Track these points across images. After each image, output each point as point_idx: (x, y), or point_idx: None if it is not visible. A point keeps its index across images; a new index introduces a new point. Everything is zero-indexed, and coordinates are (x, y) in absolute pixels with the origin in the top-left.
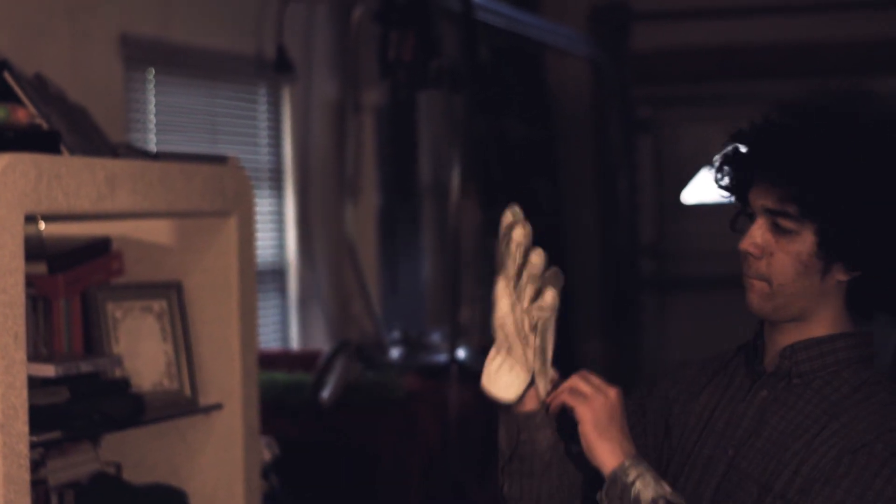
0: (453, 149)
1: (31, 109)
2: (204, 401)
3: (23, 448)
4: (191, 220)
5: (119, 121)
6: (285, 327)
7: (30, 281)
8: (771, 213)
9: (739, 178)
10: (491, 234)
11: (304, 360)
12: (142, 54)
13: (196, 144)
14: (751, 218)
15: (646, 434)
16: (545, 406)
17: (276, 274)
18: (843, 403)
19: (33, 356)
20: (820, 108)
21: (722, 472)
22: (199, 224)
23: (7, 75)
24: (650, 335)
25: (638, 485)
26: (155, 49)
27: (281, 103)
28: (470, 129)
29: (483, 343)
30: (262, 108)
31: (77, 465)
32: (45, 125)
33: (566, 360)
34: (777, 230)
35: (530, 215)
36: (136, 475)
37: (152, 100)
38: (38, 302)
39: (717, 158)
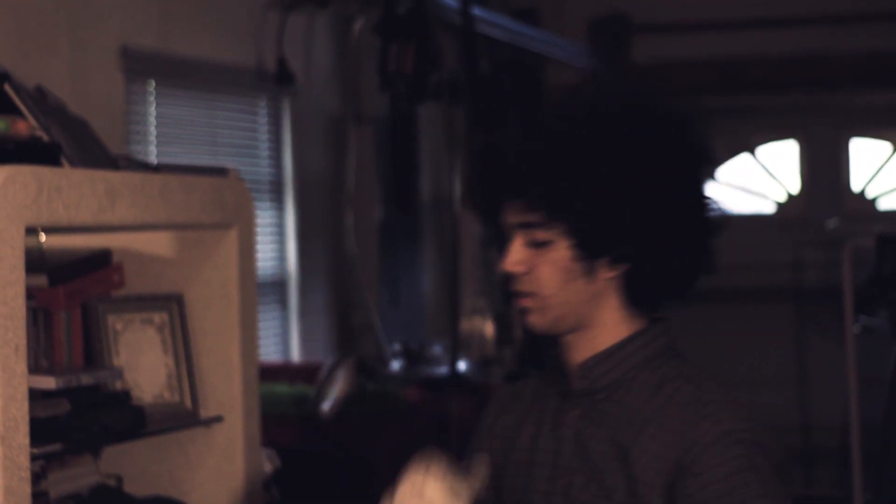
0: (453, 161)
1: (32, 121)
2: (205, 413)
3: (23, 460)
4: (191, 232)
5: (119, 133)
6: (286, 339)
7: (30, 293)
8: (522, 228)
9: (488, 202)
10: (491, 246)
11: (305, 372)
12: (142, 66)
13: (196, 156)
14: (506, 239)
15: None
16: None
17: (277, 286)
18: (646, 409)
19: (34, 368)
20: (550, 109)
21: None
22: (199, 236)
23: (7, 87)
24: None
25: None
26: (155, 61)
27: (281, 115)
28: (470, 142)
29: (483, 355)
30: (263, 121)
31: (78, 477)
32: (45, 137)
33: None
34: (533, 244)
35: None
36: (136, 487)
37: (153, 112)
38: (39, 314)
39: (465, 190)
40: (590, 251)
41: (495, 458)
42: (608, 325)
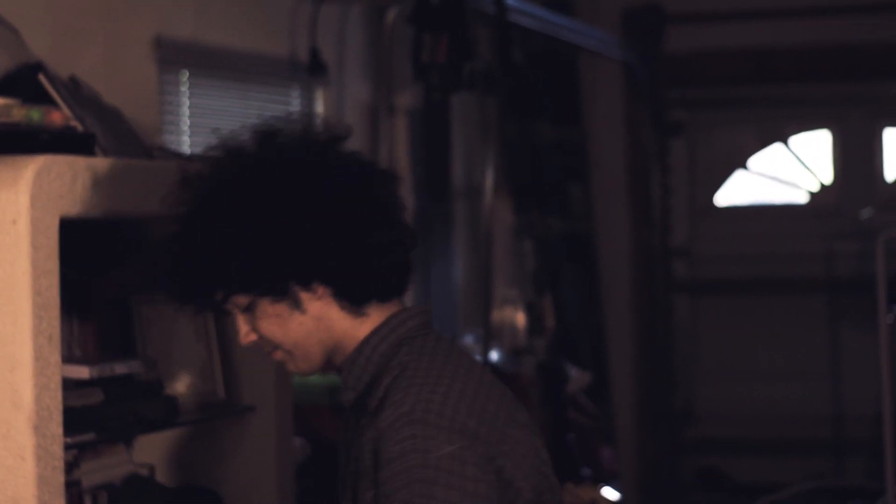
0: (486, 151)
1: (66, 112)
2: (237, 403)
3: (57, 450)
4: None
5: (153, 123)
6: None
7: (64, 283)
8: (224, 303)
9: (195, 300)
10: (523, 237)
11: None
12: (176, 57)
13: None
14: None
15: None
16: None
17: None
18: (372, 403)
19: (67, 358)
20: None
21: None
22: None
23: (42, 77)
24: (682, 338)
25: None
26: (189, 51)
27: (314, 105)
28: (503, 132)
29: (515, 345)
30: (296, 111)
31: (111, 466)
32: (79, 127)
33: (599, 365)
34: (245, 311)
35: (562, 218)
36: (169, 477)
37: (186, 102)
38: (73, 304)
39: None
40: (271, 291)
41: None
42: (349, 336)
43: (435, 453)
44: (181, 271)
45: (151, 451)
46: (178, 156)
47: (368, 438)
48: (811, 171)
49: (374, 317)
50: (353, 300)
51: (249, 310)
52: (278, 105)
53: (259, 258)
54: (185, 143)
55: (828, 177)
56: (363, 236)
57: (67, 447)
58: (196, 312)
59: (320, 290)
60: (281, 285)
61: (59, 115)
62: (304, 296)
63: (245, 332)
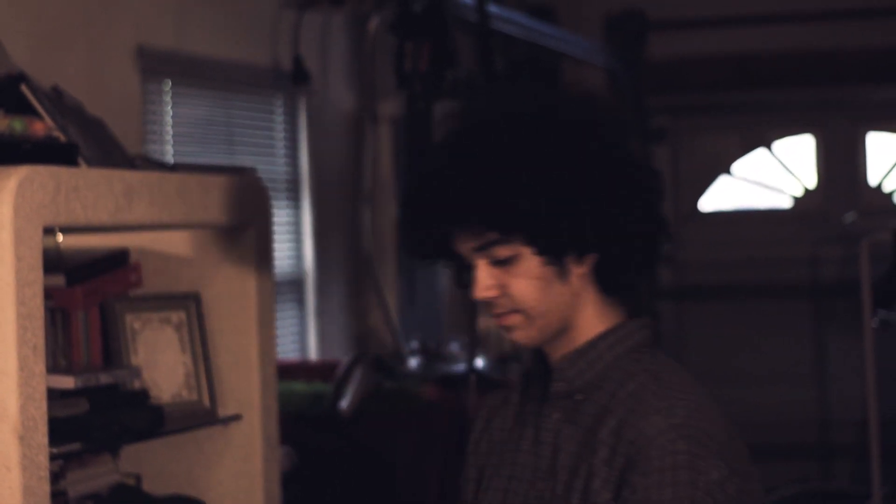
0: None
1: (49, 122)
2: (223, 412)
3: (42, 460)
4: (209, 231)
5: (136, 132)
6: (303, 338)
7: (48, 293)
8: (482, 251)
9: (436, 239)
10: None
11: (323, 370)
12: (158, 66)
13: (213, 155)
14: (469, 267)
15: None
16: None
17: (294, 284)
18: (611, 404)
19: (52, 368)
20: (465, 130)
21: None
22: (216, 235)
23: (24, 88)
24: (668, 344)
25: None
26: (171, 60)
27: (298, 114)
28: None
29: (501, 352)
30: (279, 119)
31: (97, 476)
32: (62, 137)
33: None
34: (497, 263)
35: None
36: (155, 486)
37: (169, 111)
38: (57, 314)
39: (403, 236)
40: (556, 252)
41: (479, 473)
42: (586, 324)
43: (704, 477)
44: (465, 204)
45: (137, 460)
46: (162, 165)
47: (608, 436)
48: (795, 176)
49: (611, 316)
50: (610, 287)
51: (506, 263)
52: (262, 113)
53: (565, 212)
54: (169, 153)
55: (812, 181)
56: (650, 220)
57: (53, 457)
58: (431, 257)
59: (588, 265)
60: (566, 247)
61: (42, 126)
62: (574, 267)
63: (487, 285)
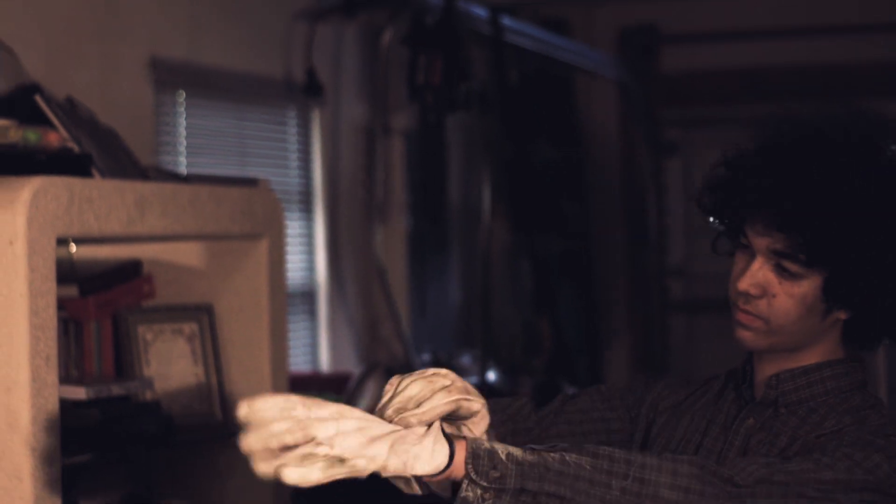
0: (482, 172)
1: (63, 133)
2: (234, 423)
3: (54, 470)
4: (221, 242)
5: (149, 144)
6: (315, 349)
7: (61, 304)
8: (777, 256)
9: (735, 207)
10: (520, 257)
11: (335, 382)
12: (171, 77)
13: (226, 167)
14: (739, 247)
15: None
16: None
17: (306, 296)
18: (827, 424)
19: (65, 379)
20: (820, 136)
21: None
22: (229, 247)
23: (38, 99)
24: (679, 357)
25: (499, 447)
26: (185, 72)
27: (310, 126)
28: (499, 152)
29: (512, 365)
30: (292, 131)
31: (108, 487)
32: (76, 148)
33: (596, 384)
34: (780, 271)
35: (559, 237)
36: (166, 498)
37: (182, 122)
38: (70, 325)
39: (708, 178)
40: (841, 298)
41: (639, 427)
42: (815, 352)
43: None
44: (806, 212)
45: (149, 471)
46: (175, 176)
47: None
48: None
49: (839, 351)
50: (858, 342)
51: (786, 276)
52: (274, 125)
53: (880, 266)
54: (182, 164)
55: None
56: None
57: (64, 468)
58: (721, 223)
59: (844, 314)
60: (857, 301)
61: (56, 137)
62: (839, 312)
63: (757, 282)
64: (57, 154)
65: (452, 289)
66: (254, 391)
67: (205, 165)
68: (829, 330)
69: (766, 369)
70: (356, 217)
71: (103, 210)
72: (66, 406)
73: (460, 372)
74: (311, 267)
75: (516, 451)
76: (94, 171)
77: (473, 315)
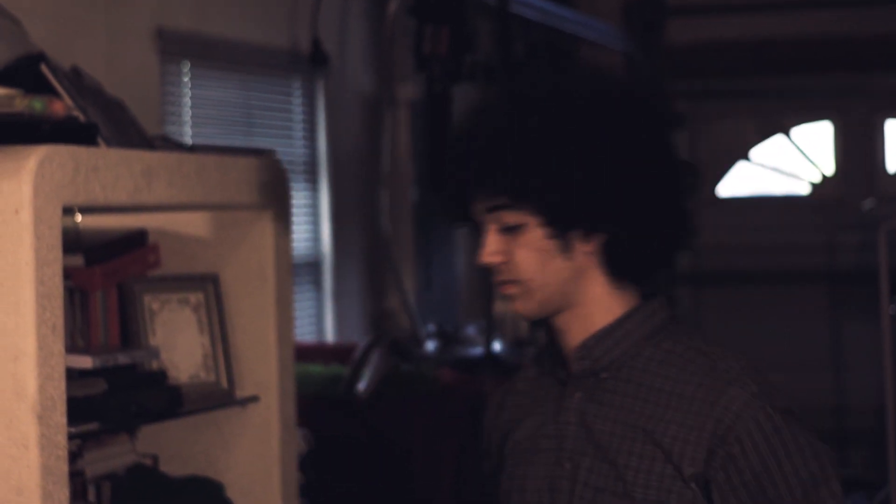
0: None
1: (68, 102)
2: (240, 393)
3: (61, 439)
4: (227, 212)
5: (155, 114)
6: (320, 320)
7: (67, 273)
8: (490, 213)
9: (458, 195)
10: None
11: (340, 353)
12: (177, 47)
13: (231, 137)
14: (479, 229)
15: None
16: None
17: (311, 267)
18: (659, 383)
19: (70, 348)
20: (502, 95)
21: (568, 489)
22: (235, 217)
23: (44, 68)
24: None
25: None
26: (190, 42)
27: (316, 96)
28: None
29: (517, 336)
30: (297, 101)
31: (114, 456)
32: (82, 117)
33: None
34: (505, 230)
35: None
36: (172, 467)
37: (188, 93)
38: (76, 294)
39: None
40: (560, 226)
41: (497, 457)
42: (600, 304)
43: (800, 429)
44: (485, 162)
45: (155, 441)
46: (181, 146)
47: (680, 415)
48: (813, 163)
49: (626, 298)
50: (618, 270)
51: (512, 231)
52: (280, 95)
53: (576, 185)
54: (187, 134)
55: (829, 168)
56: (669, 210)
57: (71, 437)
58: (451, 213)
59: (594, 244)
60: (572, 222)
61: (62, 105)
62: (579, 244)
63: (493, 250)
64: (63, 123)
65: (458, 259)
66: (259, 361)
67: (210, 136)
68: (588, 269)
69: (570, 341)
70: (361, 187)
71: (109, 179)
72: (72, 375)
73: (466, 343)
74: (316, 237)
75: None
76: (100, 141)
77: (479, 286)
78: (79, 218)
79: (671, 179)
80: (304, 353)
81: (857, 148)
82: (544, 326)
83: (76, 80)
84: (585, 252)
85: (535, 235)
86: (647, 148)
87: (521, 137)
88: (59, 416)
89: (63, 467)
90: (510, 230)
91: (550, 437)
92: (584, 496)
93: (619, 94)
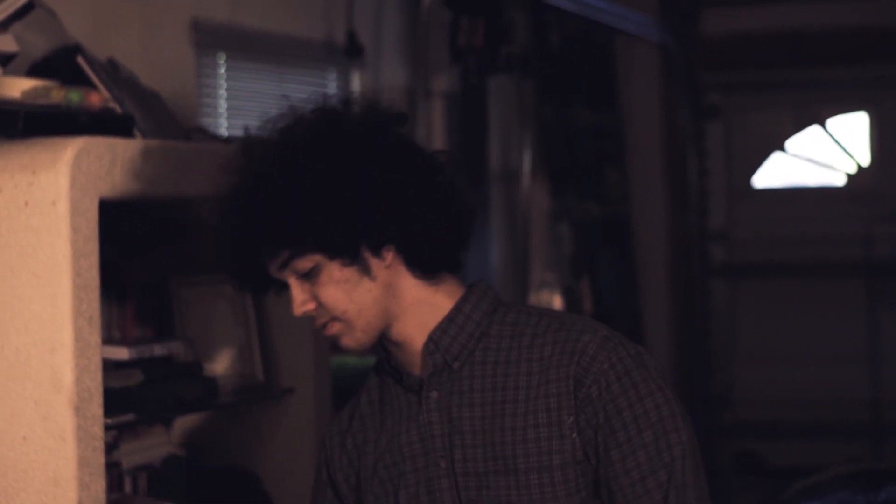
0: (523, 135)
1: (105, 93)
2: (276, 385)
3: (97, 430)
4: None
5: (190, 106)
6: None
7: (104, 265)
8: (284, 269)
9: (251, 271)
10: (560, 220)
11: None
12: (213, 40)
13: None
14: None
15: None
16: None
17: None
18: (516, 353)
19: (107, 339)
20: (243, 166)
21: (450, 485)
22: None
23: (80, 59)
24: (719, 321)
25: None
26: (226, 34)
27: (351, 88)
28: (540, 116)
29: None
30: (332, 93)
31: (150, 447)
32: (118, 109)
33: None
34: (304, 277)
35: (599, 201)
36: (208, 459)
37: (223, 85)
38: (112, 286)
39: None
40: (348, 255)
41: (349, 487)
42: (427, 304)
43: (651, 370)
44: (251, 231)
45: (190, 432)
46: (217, 138)
47: (545, 374)
48: (848, 154)
49: (449, 287)
50: (426, 268)
51: (311, 276)
52: (315, 87)
53: (337, 214)
54: (223, 126)
55: (865, 159)
56: (440, 201)
57: (107, 428)
58: (248, 289)
59: (390, 256)
60: (354, 246)
61: (98, 97)
62: (374, 262)
63: (302, 300)
64: (99, 115)
65: (492, 252)
66: (295, 353)
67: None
68: (395, 281)
69: (412, 349)
70: None
71: (146, 171)
72: (108, 367)
73: None
74: None
75: None
76: (137, 132)
77: (512, 278)
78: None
79: (425, 171)
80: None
81: (893, 138)
82: (379, 348)
83: (112, 72)
84: (385, 266)
85: (331, 271)
86: (389, 154)
87: (272, 191)
88: (96, 408)
89: (100, 458)
90: (307, 275)
91: (414, 442)
92: (468, 485)
93: (341, 122)
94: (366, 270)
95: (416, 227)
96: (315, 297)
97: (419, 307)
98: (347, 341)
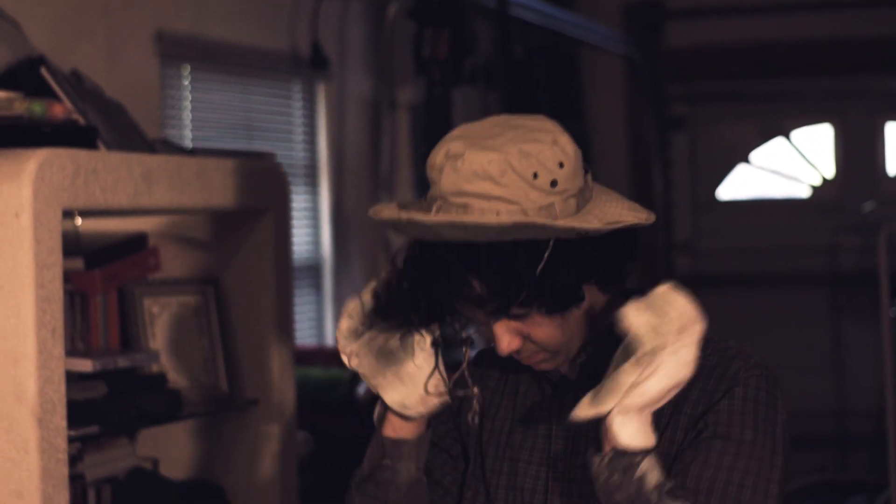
0: None
1: (68, 105)
2: (240, 396)
3: (61, 442)
4: (227, 216)
5: (154, 117)
6: (320, 324)
7: (67, 276)
8: (501, 313)
9: (438, 307)
10: None
11: (340, 356)
12: (177, 51)
13: (231, 141)
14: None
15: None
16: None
17: (311, 270)
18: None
19: (71, 351)
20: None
21: (564, 490)
22: (235, 220)
23: (44, 71)
24: None
25: (645, 465)
26: (190, 46)
27: (316, 100)
28: None
29: None
30: (297, 105)
31: (114, 460)
32: (81, 120)
33: None
34: (514, 318)
35: None
36: (172, 470)
37: (188, 96)
38: (76, 297)
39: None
40: (560, 308)
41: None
42: (599, 310)
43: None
44: (486, 271)
45: (155, 444)
46: (181, 149)
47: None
48: (813, 166)
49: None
50: (611, 288)
51: (523, 318)
52: (280, 99)
53: (570, 276)
54: (188, 138)
55: (830, 171)
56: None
57: (71, 440)
58: (425, 325)
59: (587, 292)
60: (568, 300)
61: (61, 109)
62: (588, 295)
63: (509, 340)
64: (62, 126)
65: None
66: (259, 364)
67: (210, 139)
68: (592, 299)
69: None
70: (362, 191)
71: (109, 182)
72: (72, 378)
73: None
74: (316, 241)
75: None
76: (100, 144)
77: None
78: (79, 221)
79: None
80: (304, 357)
81: (857, 151)
82: None
83: (76, 84)
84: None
85: (542, 315)
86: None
87: (488, 258)
88: (59, 420)
89: (63, 470)
90: (519, 316)
91: (540, 436)
92: (582, 492)
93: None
94: (577, 306)
95: (602, 262)
96: (526, 336)
97: (597, 312)
98: (547, 366)
